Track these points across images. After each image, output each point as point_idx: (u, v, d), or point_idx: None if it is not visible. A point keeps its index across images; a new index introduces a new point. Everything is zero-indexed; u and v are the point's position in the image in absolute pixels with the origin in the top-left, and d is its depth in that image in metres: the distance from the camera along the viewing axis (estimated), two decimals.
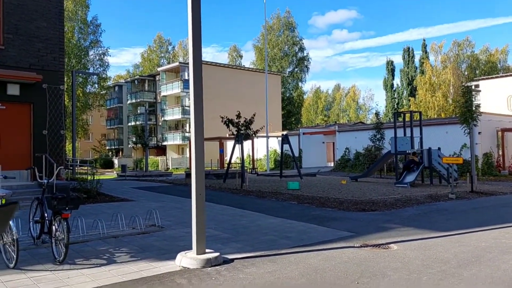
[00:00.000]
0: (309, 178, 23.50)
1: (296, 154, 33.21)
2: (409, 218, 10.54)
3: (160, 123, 52.81)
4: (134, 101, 55.42)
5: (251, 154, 34.33)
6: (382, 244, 7.39)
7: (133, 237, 8.02)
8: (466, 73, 70.29)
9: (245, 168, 20.09)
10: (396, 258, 6.40)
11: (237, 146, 19.14)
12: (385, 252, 6.85)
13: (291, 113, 62.94)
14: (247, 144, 31.18)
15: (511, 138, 27.87)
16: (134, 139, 34.40)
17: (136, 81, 56.70)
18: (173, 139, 49.36)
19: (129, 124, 56.55)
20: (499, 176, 24.28)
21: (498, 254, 6.60)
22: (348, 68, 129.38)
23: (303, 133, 38.03)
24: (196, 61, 6.63)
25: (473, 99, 19.06)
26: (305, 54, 65.06)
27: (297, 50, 64.09)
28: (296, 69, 64.59)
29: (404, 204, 12.84)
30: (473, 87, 53.19)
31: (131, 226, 8.81)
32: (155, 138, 53.45)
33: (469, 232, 8.35)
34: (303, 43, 64.80)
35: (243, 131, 18.48)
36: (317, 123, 78.21)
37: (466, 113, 17.24)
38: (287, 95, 63.41)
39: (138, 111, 54.66)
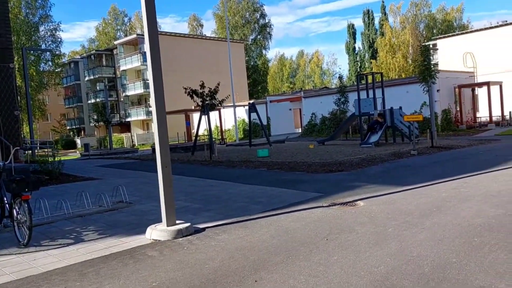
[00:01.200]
0: (278, 145, 23.70)
1: (264, 122, 33.28)
2: (374, 175, 10.86)
3: (122, 99, 51.29)
4: (92, 77, 53.32)
5: (219, 125, 34.13)
6: (349, 201, 7.59)
7: (100, 215, 7.87)
8: (424, 33, 71.63)
9: (214, 139, 19.94)
10: (362, 214, 6.60)
11: (204, 118, 18.90)
12: (352, 209, 7.04)
13: (257, 81, 62.58)
14: (214, 115, 30.90)
15: (468, 94, 28.94)
16: (95, 117, 33.32)
17: (92, 57, 54.38)
18: (136, 115, 48.18)
19: (89, 101, 54.61)
20: (458, 131, 25.32)
21: (457, 202, 6.93)
22: (311, 33, 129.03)
23: (270, 101, 38.04)
24: (151, 31, 6.36)
25: (431, 58, 19.52)
26: (267, 21, 64.26)
27: (258, 17, 63.11)
28: (259, 37, 63.81)
29: (369, 163, 13.19)
30: (431, 46, 54.52)
31: (98, 204, 8.63)
32: (118, 114, 51.99)
33: (431, 185, 8.70)
34: (264, 10, 63.87)
35: (208, 102, 18.21)
36: (284, 91, 78.31)
37: (425, 71, 17.66)
38: (252, 63, 62.82)
39: (98, 88, 52.75)
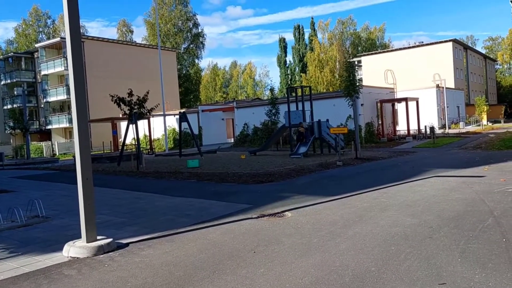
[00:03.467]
0: (209, 155, 23.51)
1: (196, 132, 32.92)
2: (303, 186, 11.15)
3: (42, 105, 47.93)
4: (9, 81, 49.29)
5: (147, 134, 33.13)
6: (278, 212, 7.69)
7: (12, 231, 7.22)
8: (349, 49, 75.93)
9: (142, 149, 19.28)
10: (290, 225, 6.71)
11: (131, 126, 18.21)
12: (280, 220, 7.14)
13: (189, 90, 61.87)
14: (143, 123, 29.95)
15: (389, 108, 30.98)
16: (11, 124, 30.74)
17: (10, 59, 50.34)
18: (58, 122, 45.20)
19: (5, 107, 50.29)
20: (380, 143, 26.92)
21: (377, 212, 7.31)
22: (243, 45, 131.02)
23: (202, 111, 37.76)
24: (73, 31, 6.01)
25: (355, 74, 20.64)
26: (199, 30, 64.02)
27: (191, 26, 62.67)
28: (191, 46, 63.31)
29: (298, 173, 13.53)
30: (356, 62, 57.70)
31: (10, 220, 7.91)
32: (38, 121, 48.47)
33: (354, 195, 9.11)
34: (197, 19, 63.61)
35: (137, 110, 17.59)
36: (216, 100, 78.36)
37: (349, 86, 18.60)
38: (184, 72, 62.05)
39: (15, 93, 48.82)
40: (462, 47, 58.91)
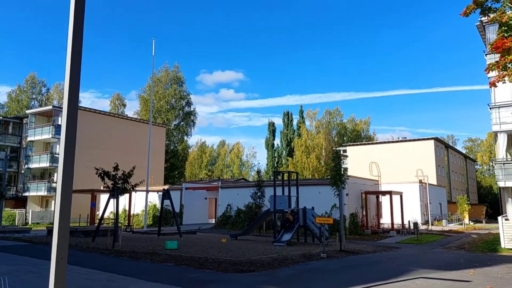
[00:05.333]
0: (189, 236, 22.74)
1: (177, 210, 32.17)
2: (285, 279, 10.63)
3: (23, 171, 46.98)
4: None
5: (127, 208, 32.24)
6: None
7: None
8: (336, 138, 78.31)
9: (119, 225, 18.57)
10: None
11: (112, 201, 17.74)
12: None
13: (174, 166, 61.79)
14: (124, 197, 29.28)
15: (373, 200, 31.06)
16: None
17: None
18: (36, 190, 43.89)
19: None
20: (364, 235, 26.49)
21: None
22: (233, 125, 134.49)
23: (186, 188, 37.26)
24: (71, 104, 6.00)
25: (341, 164, 20.91)
26: (192, 109, 65.70)
27: (184, 104, 64.41)
28: (182, 123, 64.53)
29: (281, 263, 13.01)
30: (341, 151, 59.06)
31: None
32: (15, 187, 47.14)
33: None
34: (190, 98, 65.50)
35: (120, 185, 17.27)
36: (201, 178, 78.11)
37: (336, 176, 18.71)
38: (172, 147, 62.47)
39: None
40: (443, 146, 61.06)
